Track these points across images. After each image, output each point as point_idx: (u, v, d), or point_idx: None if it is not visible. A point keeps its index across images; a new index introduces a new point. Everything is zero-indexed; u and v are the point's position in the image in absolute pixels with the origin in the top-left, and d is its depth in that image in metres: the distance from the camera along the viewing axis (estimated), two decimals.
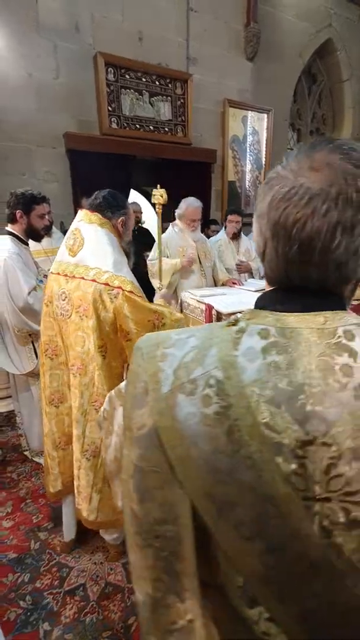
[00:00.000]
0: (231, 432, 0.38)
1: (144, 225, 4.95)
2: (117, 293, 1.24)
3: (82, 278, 1.28)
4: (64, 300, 1.34)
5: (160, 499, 0.42)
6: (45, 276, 2.75)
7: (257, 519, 0.39)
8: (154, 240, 4.38)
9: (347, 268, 0.41)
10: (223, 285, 3.10)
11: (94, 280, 1.26)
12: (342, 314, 0.41)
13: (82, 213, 1.38)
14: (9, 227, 2.05)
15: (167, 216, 4.14)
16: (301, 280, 0.43)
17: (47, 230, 2.27)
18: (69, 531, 1.70)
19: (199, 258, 2.99)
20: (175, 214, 2.95)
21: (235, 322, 0.44)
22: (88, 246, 1.31)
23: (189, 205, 2.84)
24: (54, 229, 2.95)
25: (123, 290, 1.25)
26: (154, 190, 2.17)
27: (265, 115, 4.80)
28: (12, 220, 2.02)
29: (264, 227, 0.44)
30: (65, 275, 1.35)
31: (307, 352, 0.39)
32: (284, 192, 0.41)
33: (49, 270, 2.81)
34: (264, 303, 0.46)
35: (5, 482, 2.15)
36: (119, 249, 1.37)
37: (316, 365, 0.38)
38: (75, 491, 1.47)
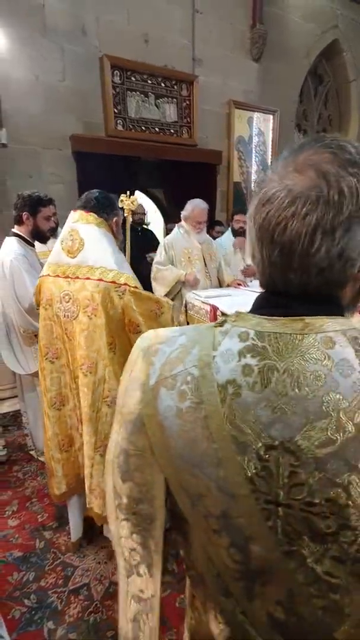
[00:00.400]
0: (201, 428, 0.40)
1: (149, 227, 4.97)
2: (124, 290, 1.29)
3: (88, 278, 1.30)
4: (67, 302, 1.34)
5: (139, 480, 0.46)
6: None
7: (223, 514, 0.40)
8: (157, 241, 4.40)
9: (332, 272, 0.39)
10: (228, 286, 3.09)
11: (100, 280, 1.29)
12: (325, 320, 0.39)
13: (77, 214, 1.38)
14: (15, 229, 2.07)
15: (172, 217, 4.17)
16: (284, 285, 0.42)
17: (53, 232, 2.29)
18: (75, 531, 1.71)
19: (204, 260, 2.99)
20: (181, 215, 2.95)
21: (222, 323, 0.45)
22: (89, 246, 1.33)
23: (195, 206, 2.85)
24: (59, 230, 2.99)
25: (129, 286, 1.30)
26: (123, 196, 2.22)
27: (271, 116, 4.80)
28: (19, 221, 2.05)
29: (252, 229, 0.44)
30: (67, 277, 1.35)
31: (281, 358, 0.38)
32: (269, 195, 0.41)
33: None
34: (254, 306, 0.46)
35: (11, 481, 2.17)
36: (117, 248, 1.41)
37: (287, 371, 0.37)
38: (87, 490, 1.46)
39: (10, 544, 1.75)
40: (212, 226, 4.17)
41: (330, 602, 0.37)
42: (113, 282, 1.29)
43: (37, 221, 2.05)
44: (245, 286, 3.05)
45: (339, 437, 0.34)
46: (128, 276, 1.31)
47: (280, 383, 0.37)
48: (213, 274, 3.10)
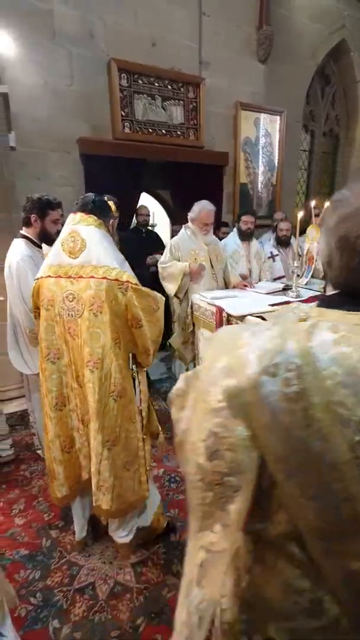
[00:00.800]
0: (306, 409, 0.46)
1: (154, 229, 4.99)
2: (126, 287, 1.35)
3: (92, 277, 1.33)
4: (71, 301, 1.37)
5: (230, 458, 0.51)
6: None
7: (321, 482, 0.47)
8: (162, 243, 4.41)
9: None
10: (234, 287, 3.09)
11: (104, 278, 1.33)
12: None
13: (77, 216, 1.40)
14: (23, 231, 2.10)
15: (179, 219, 4.17)
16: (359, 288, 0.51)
17: (59, 234, 2.31)
18: (80, 530, 1.72)
19: (210, 261, 2.99)
20: (188, 216, 2.96)
21: (305, 319, 0.53)
22: (91, 247, 1.36)
23: (203, 208, 2.85)
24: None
25: (131, 283, 1.36)
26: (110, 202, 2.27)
27: (278, 117, 4.78)
28: (27, 223, 2.07)
29: (332, 240, 0.53)
30: (69, 277, 1.37)
31: None
32: (347, 212, 0.50)
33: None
34: (329, 304, 0.55)
35: (18, 479, 2.19)
36: (116, 248, 1.46)
37: None
38: (94, 488, 1.47)
39: (16, 542, 1.76)
40: (218, 227, 4.18)
41: None
42: (116, 279, 1.34)
43: (45, 224, 2.07)
44: (251, 287, 3.04)
45: None
46: (129, 274, 1.37)
47: None
48: (219, 275, 3.09)
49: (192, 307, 2.90)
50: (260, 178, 4.89)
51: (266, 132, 4.77)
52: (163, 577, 1.59)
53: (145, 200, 4.72)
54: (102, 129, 3.60)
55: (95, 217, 1.40)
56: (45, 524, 1.87)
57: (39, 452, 2.37)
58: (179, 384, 0.66)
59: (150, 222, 4.32)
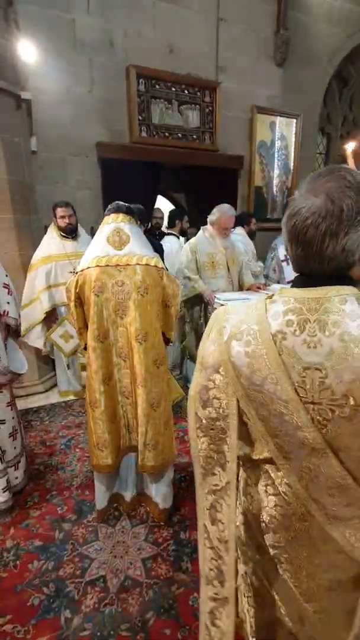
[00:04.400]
0: (261, 361, 0.61)
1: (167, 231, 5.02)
2: (162, 272, 1.65)
3: (138, 264, 1.59)
4: (120, 286, 1.59)
5: (216, 405, 0.68)
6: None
7: (279, 414, 0.62)
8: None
9: (338, 260, 0.59)
10: (248, 290, 3.09)
11: (147, 265, 1.60)
12: (340, 288, 0.59)
13: (119, 216, 1.66)
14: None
15: (194, 221, 4.21)
16: (308, 270, 0.63)
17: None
18: (102, 500, 1.87)
19: (227, 264, 3.00)
20: (208, 219, 2.98)
21: (271, 297, 0.67)
22: (134, 240, 1.64)
23: (224, 213, 2.87)
24: (81, 231, 3.11)
25: (164, 269, 1.66)
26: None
27: (294, 121, 4.77)
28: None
29: (285, 234, 0.64)
30: (117, 265, 1.60)
31: (311, 313, 0.59)
32: (295, 210, 0.60)
33: (70, 271, 2.98)
34: (292, 284, 0.66)
35: (32, 473, 2.25)
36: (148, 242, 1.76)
37: (316, 321, 0.58)
38: (141, 446, 1.69)
39: (31, 534, 1.81)
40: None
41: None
42: (155, 266, 1.62)
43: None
44: (264, 290, 3.04)
45: (349, 357, 0.55)
46: (161, 262, 1.67)
47: (311, 329, 0.58)
48: (235, 279, 3.10)
49: (205, 310, 2.92)
50: (275, 181, 4.88)
51: (281, 135, 4.77)
52: (173, 573, 1.61)
53: (160, 203, 4.78)
54: (120, 133, 3.69)
55: (131, 217, 1.68)
56: (59, 517, 1.91)
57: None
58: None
59: (164, 224, 4.36)
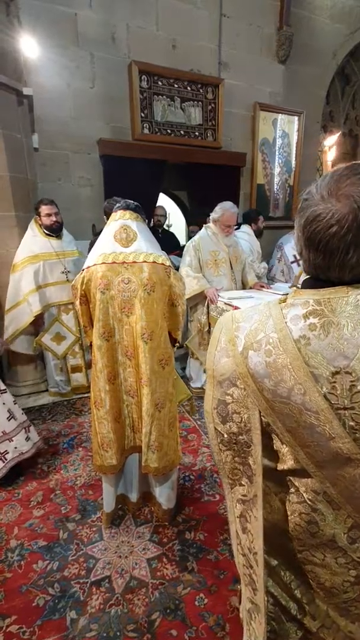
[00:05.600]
0: (284, 371, 0.57)
1: (170, 229, 5.01)
2: (170, 271, 1.63)
3: (145, 261, 1.57)
4: (127, 283, 1.57)
5: (238, 420, 0.65)
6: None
7: (307, 427, 0.58)
8: (178, 242, 4.43)
9: (359, 269, 0.56)
10: (251, 288, 3.08)
11: (154, 262, 1.58)
12: (357, 286, 0.56)
13: (126, 213, 1.64)
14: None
15: (195, 219, 4.18)
16: (326, 278, 0.59)
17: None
18: (110, 503, 1.84)
19: (230, 262, 2.99)
20: (210, 217, 2.96)
21: (284, 300, 0.63)
22: (141, 238, 1.62)
23: (226, 210, 2.85)
24: (64, 230, 3.05)
25: (171, 268, 1.64)
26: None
27: (296, 118, 4.75)
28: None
29: (301, 239, 0.59)
30: (123, 262, 1.57)
31: (334, 314, 0.56)
32: (314, 215, 0.55)
33: (62, 271, 2.90)
34: (304, 286, 0.63)
35: (35, 472, 2.23)
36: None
37: (340, 323, 0.55)
38: (145, 447, 1.67)
39: (35, 533, 1.80)
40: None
41: None
42: (162, 264, 1.60)
43: None
44: (267, 288, 3.03)
45: None
46: (169, 261, 1.65)
47: (336, 331, 0.55)
48: (238, 277, 3.09)
49: (208, 307, 2.91)
50: (277, 179, 4.86)
51: (283, 132, 4.74)
52: (178, 573, 1.60)
53: (162, 200, 4.75)
54: (122, 130, 3.66)
55: (138, 215, 1.66)
56: (63, 517, 1.90)
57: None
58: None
59: (166, 222, 4.34)
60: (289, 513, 0.70)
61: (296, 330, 0.57)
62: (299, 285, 0.65)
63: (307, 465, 0.61)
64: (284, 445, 0.64)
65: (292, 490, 0.68)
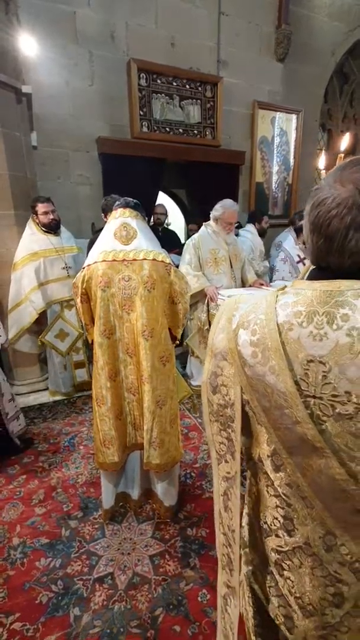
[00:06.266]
0: (264, 350, 0.60)
1: (170, 227, 5.00)
2: (170, 268, 1.63)
3: (145, 259, 1.57)
4: (127, 281, 1.57)
5: (224, 392, 0.69)
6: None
7: (278, 406, 0.60)
8: (179, 240, 4.42)
9: (358, 256, 0.56)
10: (250, 286, 3.08)
11: (154, 260, 1.58)
12: (354, 282, 0.56)
13: (126, 211, 1.65)
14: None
15: (194, 218, 4.18)
16: (326, 264, 0.60)
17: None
18: (109, 500, 1.85)
19: (230, 260, 2.99)
20: (211, 215, 2.96)
21: (283, 288, 0.66)
22: (141, 236, 1.62)
23: (228, 208, 2.85)
24: (62, 228, 3.05)
25: (172, 265, 1.64)
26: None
27: (294, 116, 4.75)
28: None
29: (307, 225, 0.61)
30: (123, 260, 1.57)
31: (322, 305, 0.57)
32: (320, 199, 0.58)
33: (63, 267, 2.96)
34: (307, 277, 0.65)
35: (37, 471, 2.23)
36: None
37: (325, 313, 0.56)
38: (146, 445, 1.68)
39: (37, 531, 1.80)
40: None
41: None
42: (162, 261, 1.60)
43: None
44: (267, 286, 3.03)
45: (355, 353, 0.52)
46: (169, 258, 1.65)
47: (319, 321, 0.56)
48: (237, 275, 3.10)
49: (208, 305, 2.92)
50: (275, 177, 4.86)
51: (282, 131, 4.75)
52: (180, 569, 1.61)
53: (161, 199, 4.75)
54: (121, 128, 3.65)
55: (138, 213, 1.67)
56: (65, 514, 1.90)
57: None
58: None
59: (166, 221, 4.33)
60: (267, 504, 0.71)
61: (282, 315, 0.60)
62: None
63: (280, 450, 0.64)
64: (261, 427, 0.67)
65: (269, 482, 0.69)
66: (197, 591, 1.51)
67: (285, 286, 0.66)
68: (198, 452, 2.41)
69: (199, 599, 1.49)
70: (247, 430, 0.71)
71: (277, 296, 0.63)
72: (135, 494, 1.91)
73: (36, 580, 1.56)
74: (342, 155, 2.84)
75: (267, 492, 0.70)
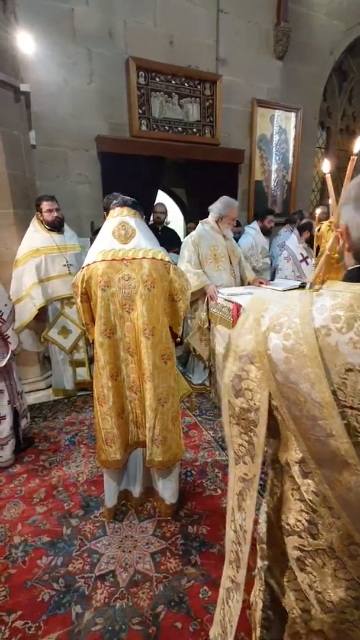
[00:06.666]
0: (299, 357, 0.57)
1: (169, 226, 5.00)
2: (169, 266, 1.63)
3: (144, 258, 1.57)
4: (127, 280, 1.57)
5: (248, 396, 0.66)
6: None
7: (312, 417, 0.57)
8: (179, 239, 4.42)
9: None
10: (249, 284, 3.08)
11: (153, 258, 1.58)
12: None
13: (124, 209, 1.64)
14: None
15: (193, 216, 4.18)
16: None
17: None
18: (112, 499, 1.85)
19: (229, 257, 2.99)
20: (212, 213, 2.96)
21: (318, 290, 0.63)
22: (140, 234, 1.62)
23: (231, 205, 2.87)
24: (65, 225, 3.06)
25: (171, 264, 1.64)
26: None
27: (293, 114, 4.75)
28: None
29: (350, 202, 0.59)
30: (122, 259, 1.57)
31: None
32: None
33: (64, 264, 2.92)
34: (346, 277, 0.62)
35: (38, 469, 2.24)
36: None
37: None
38: (149, 442, 1.69)
39: (39, 530, 1.80)
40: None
41: None
42: (161, 260, 1.60)
43: None
44: (267, 284, 3.04)
45: None
46: (168, 256, 1.65)
47: (358, 327, 0.53)
48: (237, 273, 3.10)
49: (207, 304, 2.92)
50: (274, 175, 4.86)
51: (281, 128, 4.74)
52: (182, 567, 1.61)
53: (160, 198, 4.74)
54: (120, 127, 3.65)
55: (136, 211, 1.66)
56: (66, 513, 1.90)
57: None
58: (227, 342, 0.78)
59: (166, 220, 4.32)
60: (290, 506, 0.69)
61: (319, 319, 0.56)
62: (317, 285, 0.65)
63: (308, 459, 0.61)
64: (289, 433, 0.64)
65: (295, 486, 0.68)
66: (198, 588, 1.52)
67: (321, 287, 0.63)
68: (198, 450, 2.42)
69: (200, 595, 1.49)
70: (276, 433, 0.68)
71: (312, 298, 0.60)
72: (136, 491, 1.91)
73: (38, 579, 1.56)
74: (354, 157, 2.83)
75: (292, 495, 0.68)
